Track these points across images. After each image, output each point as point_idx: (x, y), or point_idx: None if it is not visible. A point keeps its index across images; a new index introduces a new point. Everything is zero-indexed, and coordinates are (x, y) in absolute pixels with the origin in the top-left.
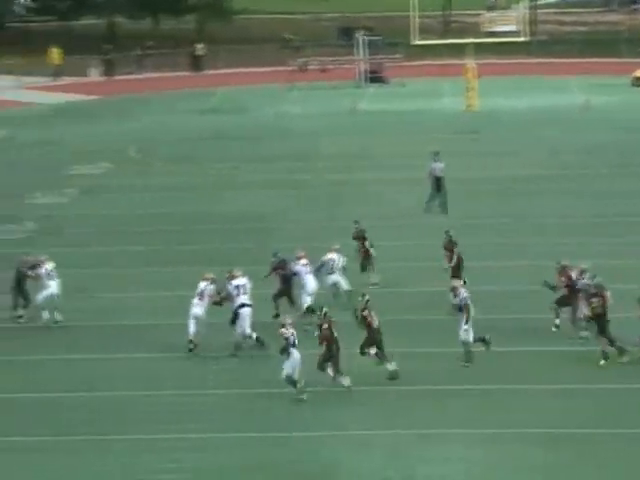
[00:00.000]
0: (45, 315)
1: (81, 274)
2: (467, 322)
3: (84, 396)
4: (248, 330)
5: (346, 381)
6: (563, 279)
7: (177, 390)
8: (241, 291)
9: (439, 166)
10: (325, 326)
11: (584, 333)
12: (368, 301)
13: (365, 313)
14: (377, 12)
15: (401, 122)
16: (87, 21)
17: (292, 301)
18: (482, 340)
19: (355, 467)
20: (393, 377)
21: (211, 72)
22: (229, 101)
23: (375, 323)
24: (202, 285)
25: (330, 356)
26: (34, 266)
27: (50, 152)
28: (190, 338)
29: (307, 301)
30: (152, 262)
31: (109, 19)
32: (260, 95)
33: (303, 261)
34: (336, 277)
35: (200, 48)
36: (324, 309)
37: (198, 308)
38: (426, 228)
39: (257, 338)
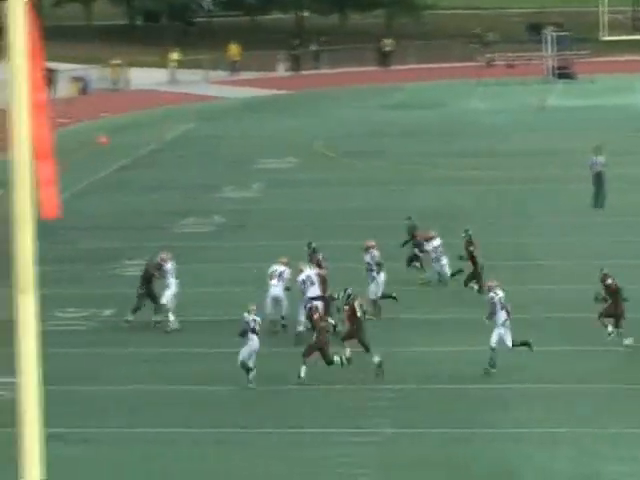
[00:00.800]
0: (172, 317)
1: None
2: (498, 324)
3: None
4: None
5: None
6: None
7: (352, 385)
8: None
9: (600, 161)
10: (346, 308)
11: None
12: (349, 296)
13: (348, 307)
14: (566, 8)
15: (590, 119)
16: (274, 16)
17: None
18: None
19: (541, 465)
20: (379, 368)
21: (398, 67)
22: (416, 96)
23: (358, 314)
24: (280, 268)
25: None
26: (159, 266)
27: (237, 146)
28: (271, 319)
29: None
30: (340, 257)
31: (296, 14)
32: (447, 91)
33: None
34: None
35: (388, 43)
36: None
37: (277, 289)
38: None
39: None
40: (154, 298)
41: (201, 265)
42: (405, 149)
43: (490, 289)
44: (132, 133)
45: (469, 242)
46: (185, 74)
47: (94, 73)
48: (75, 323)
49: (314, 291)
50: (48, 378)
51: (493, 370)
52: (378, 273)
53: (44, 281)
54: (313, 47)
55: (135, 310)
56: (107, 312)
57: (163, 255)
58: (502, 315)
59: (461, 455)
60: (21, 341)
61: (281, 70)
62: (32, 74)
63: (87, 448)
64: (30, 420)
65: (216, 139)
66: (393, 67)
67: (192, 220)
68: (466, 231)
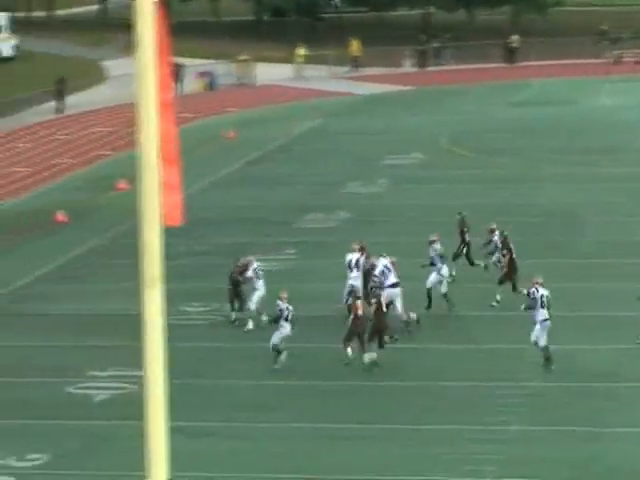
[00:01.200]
0: (264, 317)
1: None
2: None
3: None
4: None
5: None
6: None
7: (480, 382)
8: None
9: None
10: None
11: None
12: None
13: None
14: None
15: None
16: (401, 12)
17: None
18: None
19: None
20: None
21: (524, 64)
22: (543, 93)
23: (359, 313)
24: (355, 256)
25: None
26: (243, 270)
27: (363, 142)
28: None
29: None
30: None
31: (423, 11)
32: (574, 88)
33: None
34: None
35: (515, 40)
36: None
37: (356, 281)
38: None
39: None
40: (241, 299)
41: (323, 260)
42: (531, 146)
43: (533, 285)
44: (259, 128)
45: (462, 223)
46: (311, 70)
47: (221, 69)
48: (200, 317)
49: (392, 279)
50: (173, 372)
51: (552, 366)
52: (442, 264)
53: (170, 275)
54: (435, 44)
55: (238, 309)
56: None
57: (246, 259)
58: (542, 313)
59: (585, 453)
60: (147, 335)
61: (407, 66)
62: (159, 71)
63: (210, 442)
64: (155, 413)
65: (342, 135)
66: (519, 64)
67: (316, 215)
68: (459, 213)
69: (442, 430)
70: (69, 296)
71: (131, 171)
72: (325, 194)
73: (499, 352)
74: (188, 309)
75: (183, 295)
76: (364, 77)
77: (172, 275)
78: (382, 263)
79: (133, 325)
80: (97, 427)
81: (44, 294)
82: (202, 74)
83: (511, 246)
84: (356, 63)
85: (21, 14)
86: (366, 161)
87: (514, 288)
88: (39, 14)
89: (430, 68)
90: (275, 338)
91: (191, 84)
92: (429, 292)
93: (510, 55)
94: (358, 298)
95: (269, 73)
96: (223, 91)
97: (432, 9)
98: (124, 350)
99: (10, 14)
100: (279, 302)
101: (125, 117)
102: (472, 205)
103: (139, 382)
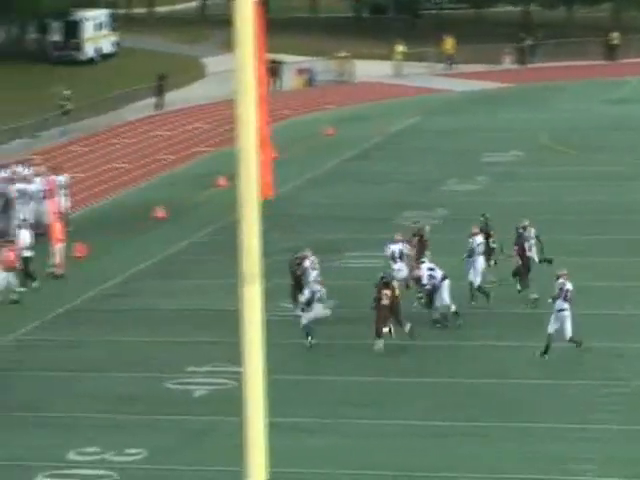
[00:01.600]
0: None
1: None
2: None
3: (494, 383)
4: (447, 300)
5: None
6: None
7: (583, 380)
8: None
9: None
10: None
11: None
12: (383, 277)
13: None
14: None
15: None
16: (500, 9)
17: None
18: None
19: None
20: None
21: (625, 61)
22: None
23: (384, 302)
24: (398, 247)
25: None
26: (299, 263)
27: (462, 139)
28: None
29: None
30: (570, 251)
31: (524, 7)
32: None
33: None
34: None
35: (615, 37)
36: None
37: (402, 273)
38: None
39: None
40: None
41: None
42: (631, 144)
43: (560, 277)
44: (357, 125)
45: (486, 226)
46: (410, 67)
47: (320, 65)
48: (298, 314)
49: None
50: (271, 368)
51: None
52: (478, 257)
53: (268, 272)
54: (530, 41)
55: (304, 305)
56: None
57: (302, 253)
58: (561, 304)
59: None
60: (246, 331)
61: (507, 63)
62: (255, 67)
63: (310, 438)
64: (254, 409)
65: (441, 132)
66: (619, 61)
67: (415, 213)
68: (483, 215)
69: (542, 429)
70: (168, 292)
71: (230, 168)
72: (423, 191)
73: (603, 351)
74: (287, 305)
75: (282, 291)
76: (462, 74)
77: (270, 271)
78: (425, 267)
79: (231, 321)
80: (195, 422)
81: (143, 290)
82: (301, 71)
83: (526, 244)
84: (450, 60)
85: (121, 11)
86: (465, 158)
87: (523, 286)
88: (139, 11)
89: (531, 65)
90: (307, 319)
91: (290, 81)
92: (476, 286)
93: (610, 52)
94: (387, 285)
95: (368, 70)
96: (322, 88)
97: (532, 6)
98: (223, 346)
99: (110, 11)
100: (315, 286)
101: (224, 114)
102: (572, 203)
103: (238, 378)
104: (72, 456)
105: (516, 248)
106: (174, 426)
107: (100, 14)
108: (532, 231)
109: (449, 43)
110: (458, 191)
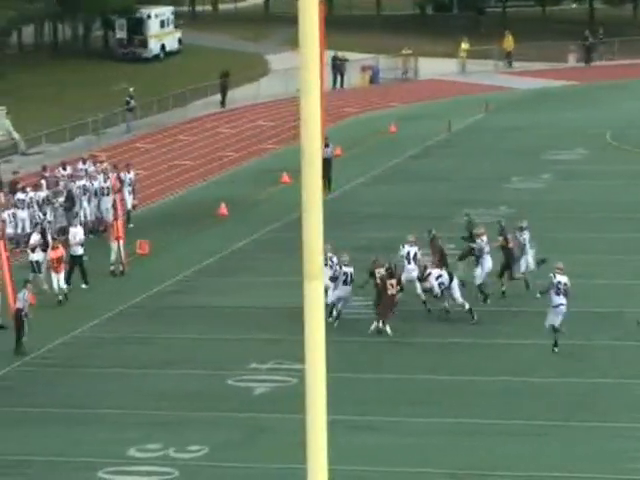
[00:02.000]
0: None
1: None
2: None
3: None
4: (460, 299)
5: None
6: None
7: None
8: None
9: None
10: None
11: None
12: (389, 268)
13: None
14: None
15: None
16: (565, 7)
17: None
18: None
19: None
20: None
21: None
22: None
23: (390, 292)
24: (412, 249)
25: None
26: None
27: (526, 137)
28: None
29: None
30: (629, 250)
31: (590, 5)
32: None
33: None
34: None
35: None
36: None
37: (414, 273)
38: None
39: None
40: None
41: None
42: None
43: (554, 270)
44: (421, 123)
45: (469, 224)
46: (474, 64)
47: (383, 63)
48: (362, 311)
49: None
50: (333, 365)
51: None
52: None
53: None
54: (592, 39)
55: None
56: None
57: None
58: (556, 299)
59: None
60: (308, 328)
61: (572, 61)
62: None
63: (373, 435)
64: (316, 406)
65: (505, 130)
66: None
67: (478, 210)
68: (466, 214)
69: (605, 428)
70: (228, 289)
71: (294, 165)
72: (486, 189)
73: None
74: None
75: None
76: (526, 72)
77: None
78: (433, 278)
79: (293, 318)
80: (257, 419)
81: (202, 287)
82: (365, 68)
83: (508, 236)
84: (509, 58)
85: (185, 8)
86: (529, 156)
87: (502, 276)
88: (204, 8)
89: (594, 63)
90: (332, 297)
91: (354, 78)
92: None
93: None
94: (392, 276)
95: (431, 67)
96: (385, 85)
97: (598, 4)
98: (285, 343)
99: (174, 8)
100: (343, 267)
101: (289, 111)
102: (637, 202)
103: (300, 375)
104: (133, 453)
105: (500, 239)
106: (235, 423)
107: (165, 11)
108: (527, 234)
109: (509, 40)
110: (522, 189)
